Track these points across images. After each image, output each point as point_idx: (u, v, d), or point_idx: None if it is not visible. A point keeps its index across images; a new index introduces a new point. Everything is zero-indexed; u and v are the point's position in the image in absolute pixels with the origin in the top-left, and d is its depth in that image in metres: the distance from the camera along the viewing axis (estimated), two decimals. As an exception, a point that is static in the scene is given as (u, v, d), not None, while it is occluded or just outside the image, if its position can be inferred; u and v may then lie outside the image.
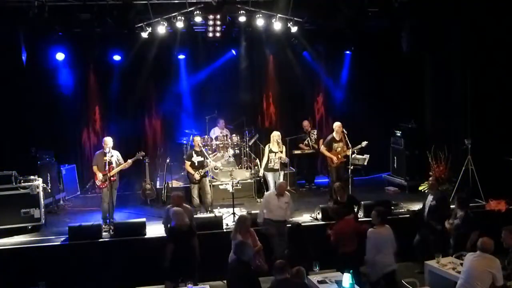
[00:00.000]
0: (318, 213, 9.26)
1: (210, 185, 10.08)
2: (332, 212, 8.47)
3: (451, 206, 8.49)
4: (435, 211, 8.20)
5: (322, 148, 10.50)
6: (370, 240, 7.00)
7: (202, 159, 9.85)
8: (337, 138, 10.26)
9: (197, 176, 9.71)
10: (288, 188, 11.04)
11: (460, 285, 6.13)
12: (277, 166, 9.99)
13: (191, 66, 12.22)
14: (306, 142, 11.64)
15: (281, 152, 10.07)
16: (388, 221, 7.29)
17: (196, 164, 9.78)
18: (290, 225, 7.89)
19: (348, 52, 12.28)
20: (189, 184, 10.02)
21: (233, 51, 12.19)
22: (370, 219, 7.45)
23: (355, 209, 8.51)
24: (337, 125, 10.31)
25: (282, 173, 10.11)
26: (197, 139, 9.98)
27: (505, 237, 6.50)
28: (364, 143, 9.95)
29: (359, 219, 8.57)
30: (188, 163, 9.82)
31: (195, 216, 8.50)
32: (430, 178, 9.10)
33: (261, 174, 10.29)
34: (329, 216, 8.78)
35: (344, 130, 10.19)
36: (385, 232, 7.04)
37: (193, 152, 9.87)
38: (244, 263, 5.98)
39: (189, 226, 7.44)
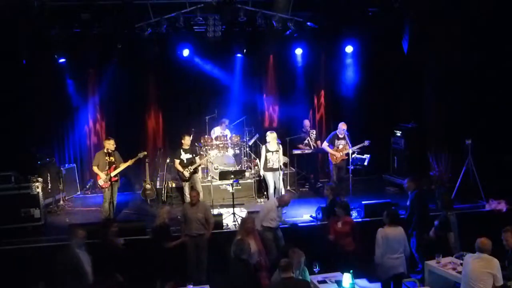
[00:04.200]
0: (319, 214, 9.24)
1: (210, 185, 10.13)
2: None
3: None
4: None
5: (324, 144, 10.77)
6: (376, 240, 6.87)
7: (191, 156, 9.96)
8: (340, 136, 10.60)
9: (186, 174, 9.82)
10: (288, 188, 11.12)
11: None
12: (276, 165, 9.97)
13: (191, 66, 12.20)
14: (306, 141, 11.63)
15: (278, 151, 10.05)
16: (399, 222, 7.10)
17: (185, 161, 9.89)
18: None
19: (348, 52, 12.28)
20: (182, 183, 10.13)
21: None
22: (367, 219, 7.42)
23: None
24: (341, 123, 10.69)
25: (281, 172, 10.10)
26: (186, 137, 10.02)
27: (506, 238, 6.48)
28: (366, 142, 10.24)
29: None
30: (177, 161, 9.92)
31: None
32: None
33: (262, 173, 10.29)
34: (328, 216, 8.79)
35: (346, 130, 10.52)
36: (393, 232, 6.86)
37: (181, 150, 9.95)
38: (243, 260, 6.16)
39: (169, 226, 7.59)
